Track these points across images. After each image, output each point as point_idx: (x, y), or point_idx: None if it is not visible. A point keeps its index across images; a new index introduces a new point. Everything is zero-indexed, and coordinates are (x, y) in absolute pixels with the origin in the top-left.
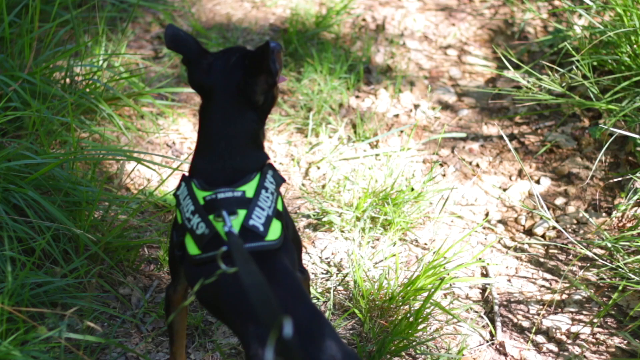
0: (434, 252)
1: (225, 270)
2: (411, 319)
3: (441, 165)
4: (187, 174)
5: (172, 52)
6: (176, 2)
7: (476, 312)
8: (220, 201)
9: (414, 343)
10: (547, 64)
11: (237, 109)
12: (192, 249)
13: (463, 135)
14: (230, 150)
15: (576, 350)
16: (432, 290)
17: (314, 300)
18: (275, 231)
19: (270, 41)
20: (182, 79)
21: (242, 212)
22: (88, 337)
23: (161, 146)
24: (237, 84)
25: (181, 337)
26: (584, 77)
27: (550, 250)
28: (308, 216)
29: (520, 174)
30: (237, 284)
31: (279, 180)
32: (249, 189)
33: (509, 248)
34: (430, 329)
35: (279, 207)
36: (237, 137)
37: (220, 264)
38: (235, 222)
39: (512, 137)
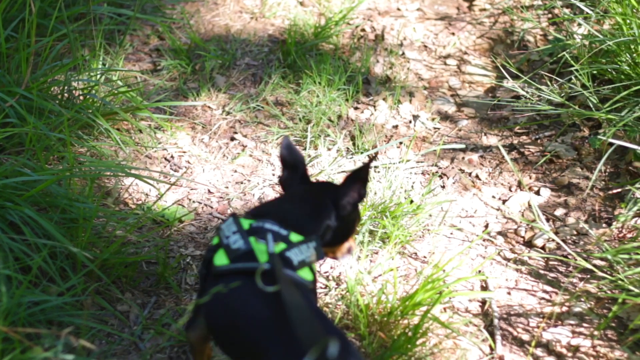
0: (433, 266)
1: (262, 288)
2: (410, 334)
3: (440, 177)
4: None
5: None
6: (175, 14)
7: (475, 325)
8: (265, 229)
9: (412, 358)
10: (547, 74)
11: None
12: (220, 259)
13: (462, 146)
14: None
15: None
16: (431, 304)
17: None
18: (307, 274)
19: None
20: (181, 91)
21: (281, 244)
22: (82, 359)
23: (159, 160)
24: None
25: None
26: (584, 86)
27: (551, 262)
28: None
29: (520, 184)
30: (257, 317)
31: (320, 254)
32: (294, 238)
33: (508, 260)
34: (429, 343)
35: (313, 269)
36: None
37: (258, 281)
38: (276, 248)
39: (511, 147)
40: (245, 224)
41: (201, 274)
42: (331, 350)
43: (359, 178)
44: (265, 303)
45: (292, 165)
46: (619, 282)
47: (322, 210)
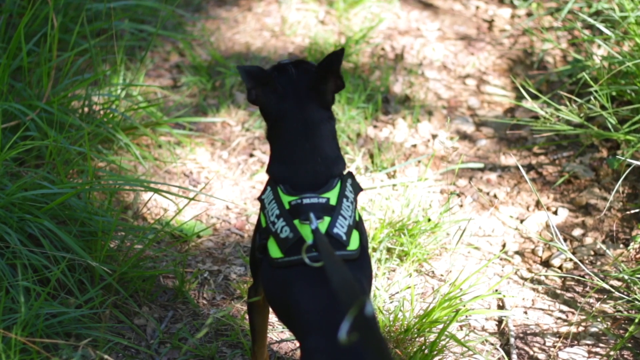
0: (450, 284)
1: (309, 264)
2: (426, 352)
3: (458, 195)
4: (271, 178)
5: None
6: (195, 31)
7: (492, 344)
8: (305, 206)
9: None
10: (566, 94)
11: (315, 112)
12: (275, 252)
13: (481, 165)
14: (315, 153)
15: None
16: (448, 322)
17: None
18: (355, 241)
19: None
20: (200, 108)
21: (326, 219)
22: None
23: (178, 175)
24: (309, 89)
25: (263, 337)
26: (603, 107)
27: (567, 282)
28: None
29: (538, 204)
30: (307, 292)
31: (357, 189)
32: (332, 196)
33: (525, 280)
34: None
35: (357, 217)
36: (321, 139)
37: (304, 257)
38: (320, 226)
39: (530, 167)
40: (285, 201)
41: (255, 257)
42: (368, 309)
43: (330, 71)
44: (318, 276)
45: (260, 83)
46: (636, 302)
47: (331, 137)
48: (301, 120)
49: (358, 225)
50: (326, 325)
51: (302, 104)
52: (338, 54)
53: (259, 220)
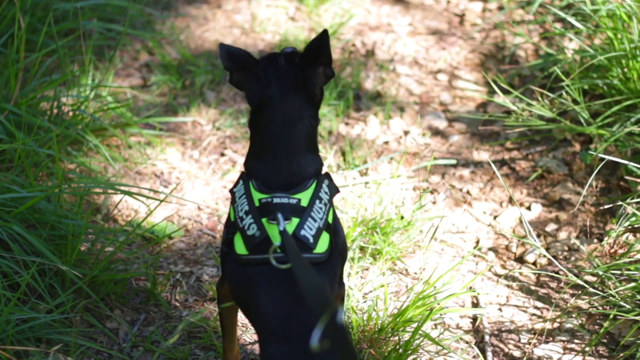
0: (423, 282)
1: (276, 266)
2: (401, 351)
3: (431, 192)
4: (245, 171)
5: (230, 70)
6: (165, 30)
7: (466, 342)
8: (275, 205)
9: None
10: (538, 89)
11: (296, 109)
12: (240, 248)
13: (453, 162)
14: (289, 153)
15: None
16: (422, 321)
17: None
18: (323, 244)
19: (324, 30)
20: (171, 107)
21: (295, 220)
22: None
23: (149, 176)
24: (295, 82)
25: (231, 332)
26: (575, 101)
27: (542, 278)
28: None
29: (511, 200)
30: (270, 296)
31: (334, 191)
32: (304, 198)
33: (499, 276)
34: None
35: (330, 219)
36: (296, 139)
37: (271, 259)
38: (287, 227)
39: (502, 162)
40: (256, 198)
41: (222, 251)
42: (339, 317)
43: (318, 59)
44: (280, 280)
45: (239, 67)
46: (611, 298)
47: (309, 137)
48: (280, 116)
49: (330, 227)
50: (287, 333)
51: (284, 98)
52: (322, 39)
53: (228, 214)
